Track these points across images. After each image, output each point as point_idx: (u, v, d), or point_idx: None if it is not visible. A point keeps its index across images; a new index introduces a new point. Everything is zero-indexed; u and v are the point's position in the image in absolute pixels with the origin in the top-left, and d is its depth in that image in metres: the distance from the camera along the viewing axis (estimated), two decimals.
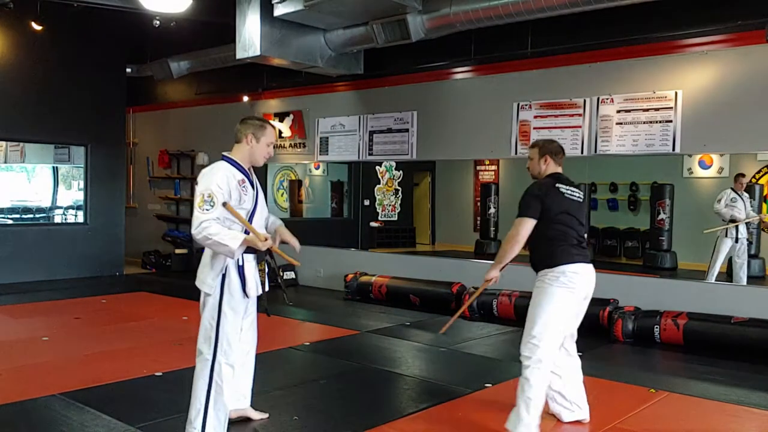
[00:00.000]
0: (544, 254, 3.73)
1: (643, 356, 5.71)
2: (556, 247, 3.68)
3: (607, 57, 6.87)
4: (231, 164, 3.41)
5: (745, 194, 8.22)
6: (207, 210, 3.19)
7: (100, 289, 8.88)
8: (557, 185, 3.77)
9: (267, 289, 3.56)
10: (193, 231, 3.21)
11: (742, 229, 8.07)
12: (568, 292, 3.66)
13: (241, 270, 3.35)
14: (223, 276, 3.32)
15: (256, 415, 3.84)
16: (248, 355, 3.68)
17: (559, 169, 3.91)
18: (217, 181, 3.27)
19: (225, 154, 3.48)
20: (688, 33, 6.38)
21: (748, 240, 8.12)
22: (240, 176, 3.37)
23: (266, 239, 3.29)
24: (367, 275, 8.45)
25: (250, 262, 3.40)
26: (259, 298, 3.57)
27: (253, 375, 3.75)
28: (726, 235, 8.04)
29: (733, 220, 8.07)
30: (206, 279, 3.35)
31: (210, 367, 3.31)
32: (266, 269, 3.54)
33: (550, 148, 3.93)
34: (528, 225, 3.70)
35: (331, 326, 6.70)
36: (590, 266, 3.77)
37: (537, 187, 3.82)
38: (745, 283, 7.84)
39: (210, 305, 3.34)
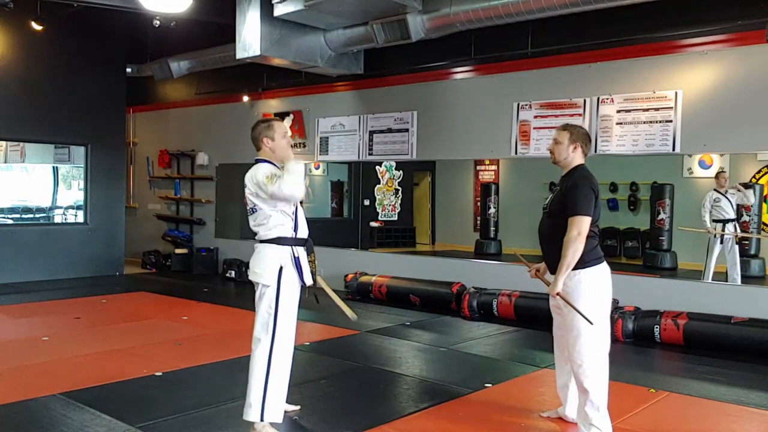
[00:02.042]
0: (582, 252, 3.55)
1: (643, 356, 5.71)
2: (591, 246, 3.56)
3: (607, 57, 6.87)
4: (268, 163, 3.68)
5: (730, 191, 8.18)
6: (276, 181, 3.50)
7: (100, 289, 8.88)
8: (595, 181, 3.61)
9: (313, 282, 3.78)
10: (285, 191, 3.48)
11: (728, 228, 8.04)
12: (607, 290, 3.62)
13: (297, 261, 3.62)
14: (281, 269, 3.56)
15: (288, 407, 3.94)
16: (292, 347, 3.82)
17: (584, 161, 3.73)
18: (269, 168, 3.60)
19: (258, 157, 3.73)
20: (688, 33, 6.38)
21: (735, 240, 8.07)
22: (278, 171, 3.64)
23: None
24: (367, 275, 8.45)
25: (303, 253, 3.68)
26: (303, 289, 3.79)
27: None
28: (714, 236, 8.04)
29: (716, 220, 8.06)
30: (264, 272, 3.58)
31: (269, 353, 3.53)
32: (315, 261, 3.78)
33: (582, 135, 3.72)
34: (588, 223, 3.50)
35: (331, 326, 6.69)
36: None
37: (591, 181, 3.62)
38: (738, 282, 7.84)
39: (267, 296, 3.57)
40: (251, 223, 3.69)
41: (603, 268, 3.64)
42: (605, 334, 3.63)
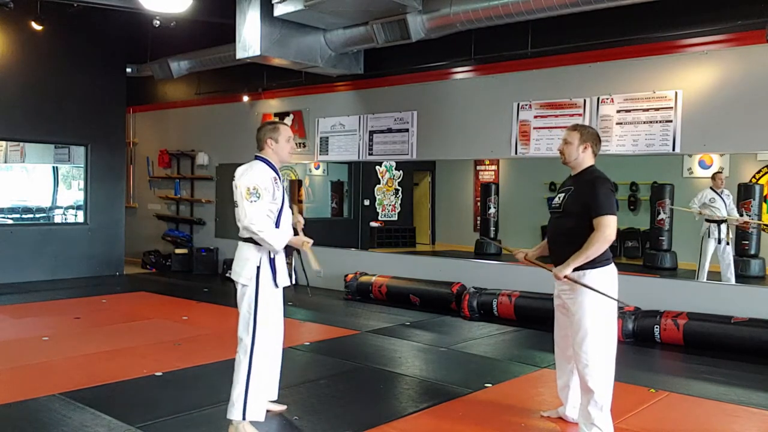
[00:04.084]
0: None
1: (643, 356, 5.71)
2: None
3: (607, 57, 6.87)
4: (265, 163, 3.69)
5: (726, 192, 8.15)
6: (254, 201, 3.49)
7: (100, 289, 8.88)
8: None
9: (294, 282, 3.86)
10: (245, 222, 3.50)
11: (724, 229, 8.00)
12: (615, 288, 3.63)
13: (272, 262, 3.62)
14: (258, 268, 3.58)
15: (275, 407, 3.98)
16: (279, 347, 3.89)
17: (594, 162, 3.72)
18: (259, 175, 3.58)
19: (258, 154, 3.75)
20: (688, 33, 6.38)
21: (727, 242, 8.01)
22: (273, 174, 3.66)
23: (306, 242, 3.66)
24: (367, 275, 8.45)
25: (280, 255, 3.69)
26: (285, 289, 3.83)
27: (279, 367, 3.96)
28: (709, 236, 8.00)
29: (710, 220, 8.03)
30: (242, 272, 3.60)
31: (250, 353, 3.56)
32: (293, 263, 3.75)
33: (592, 135, 3.71)
34: (615, 223, 3.51)
35: (331, 326, 6.70)
36: None
37: (608, 181, 3.62)
38: (733, 282, 7.83)
39: (247, 296, 3.60)
40: (236, 218, 3.66)
41: (611, 269, 3.63)
42: (612, 335, 3.62)
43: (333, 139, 9.23)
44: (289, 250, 3.69)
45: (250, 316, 3.58)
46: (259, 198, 3.50)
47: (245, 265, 3.60)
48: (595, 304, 3.54)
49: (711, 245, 8.00)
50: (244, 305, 3.61)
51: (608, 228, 3.48)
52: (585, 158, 3.70)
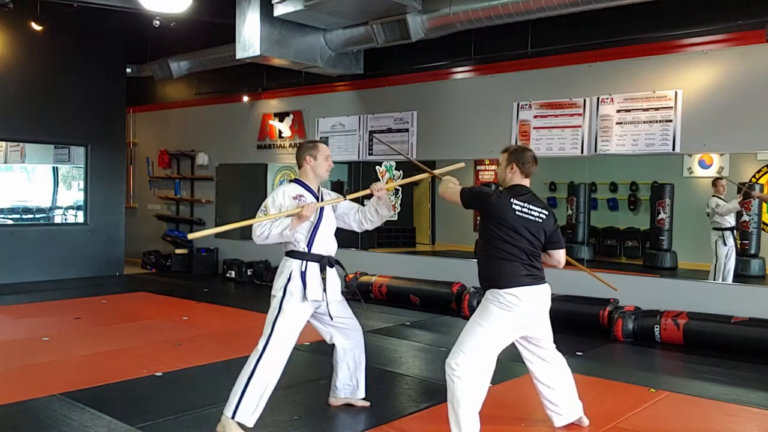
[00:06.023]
0: (491, 273, 3.57)
1: (643, 356, 5.71)
2: (504, 268, 3.51)
3: (607, 57, 6.87)
4: (297, 183, 3.88)
5: (736, 198, 8.14)
6: (259, 216, 3.71)
7: (100, 289, 8.88)
8: (511, 199, 3.54)
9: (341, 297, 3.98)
10: (254, 238, 3.70)
11: (729, 240, 7.98)
12: (509, 317, 3.51)
13: (303, 276, 3.70)
14: (288, 280, 3.71)
15: (359, 403, 4.12)
16: (355, 348, 4.15)
17: (526, 182, 3.68)
18: (278, 195, 3.79)
19: (296, 177, 3.97)
20: (688, 33, 6.38)
21: (735, 247, 8.00)
22: (296, 192, 3.80)
23: (302, 207, 3.68)
24: (367, 275, 8.45)
25: (313, 268, 3.74)
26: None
27: (364, 366, 4.17)
28: (722, 243, 7.98)
29: (718, 228, 7.98)
30: (275, 283, 3.76)
31: (258, 358, 3.60)
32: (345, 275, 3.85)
33: (519, 157, 3.69)
34: (456, 198, 3.78)
35: None
36: (541, 287, 3.57)
37: (493, 190, 3.71)
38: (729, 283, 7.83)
39: (273, 305, 3.72)
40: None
41: (519, 291, 3.50)
42: (492, 352, 3.56)
43: (333, 139, 9.23)
44: (323, 264, 3.75)
45: (269, 324, 3.66)
46: (265, 215, 3.69)
47: (279, 276, 3.76)
48: (483, 316, 3.53)
49: (723, 250, 7.95)
50: (269, 313, 3.71)
51: (450, 191, 3.87)
52: (513, 178, 3.71)
